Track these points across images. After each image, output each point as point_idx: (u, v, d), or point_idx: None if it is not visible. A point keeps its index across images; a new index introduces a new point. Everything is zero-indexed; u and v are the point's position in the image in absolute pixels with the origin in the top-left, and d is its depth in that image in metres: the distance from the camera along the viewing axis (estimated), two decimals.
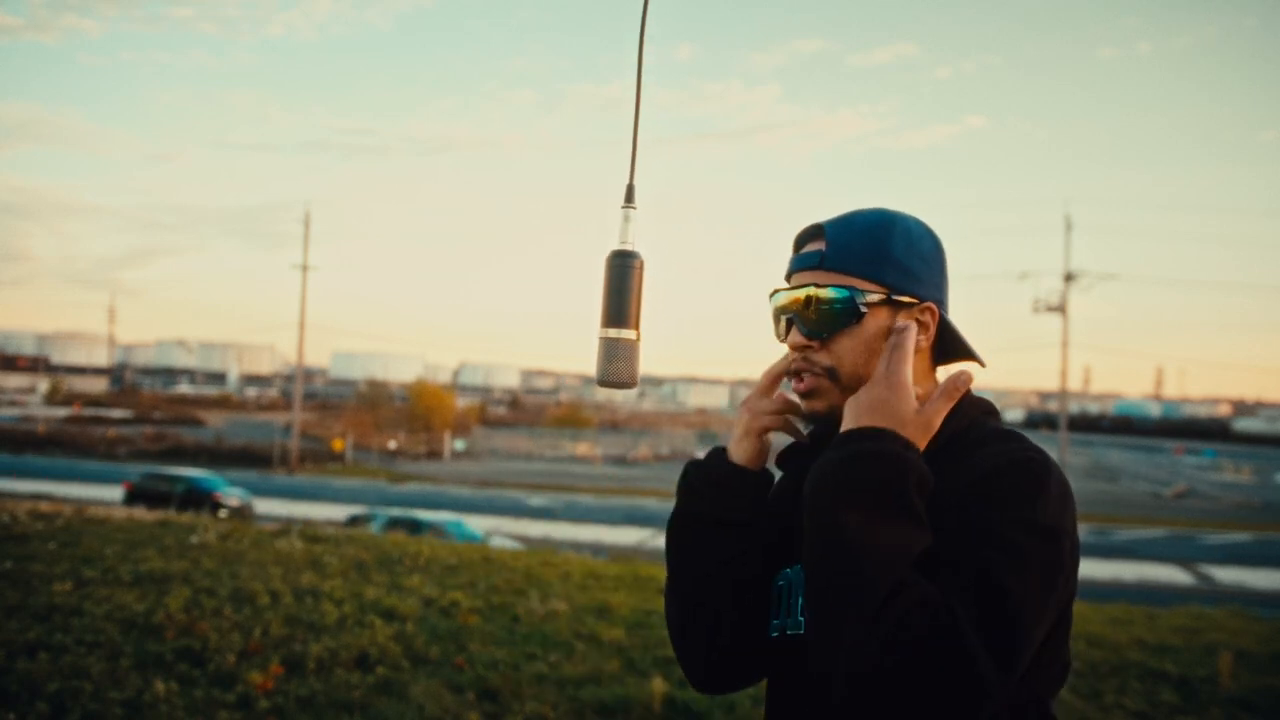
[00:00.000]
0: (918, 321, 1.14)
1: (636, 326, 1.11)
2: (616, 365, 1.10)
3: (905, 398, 1.05)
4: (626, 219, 1.14)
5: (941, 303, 1.17)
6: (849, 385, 1.13)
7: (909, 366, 1.07)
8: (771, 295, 1.20)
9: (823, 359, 1.14)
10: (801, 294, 1.14)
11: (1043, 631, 0.99)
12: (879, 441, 1.00)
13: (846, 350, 1.12)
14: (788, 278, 1.20)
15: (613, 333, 1.10)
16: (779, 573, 1.22)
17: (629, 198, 1.14)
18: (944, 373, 1.22)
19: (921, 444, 1.05)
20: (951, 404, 1.08)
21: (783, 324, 1.18)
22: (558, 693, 5.23)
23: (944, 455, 1.08)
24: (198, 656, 5.32)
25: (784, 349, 1.20)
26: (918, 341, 1.14)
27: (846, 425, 1.05)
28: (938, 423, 1.07)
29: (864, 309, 1.11)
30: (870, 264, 1.13)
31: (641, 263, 1.12)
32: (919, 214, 1.20)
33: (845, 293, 1.12)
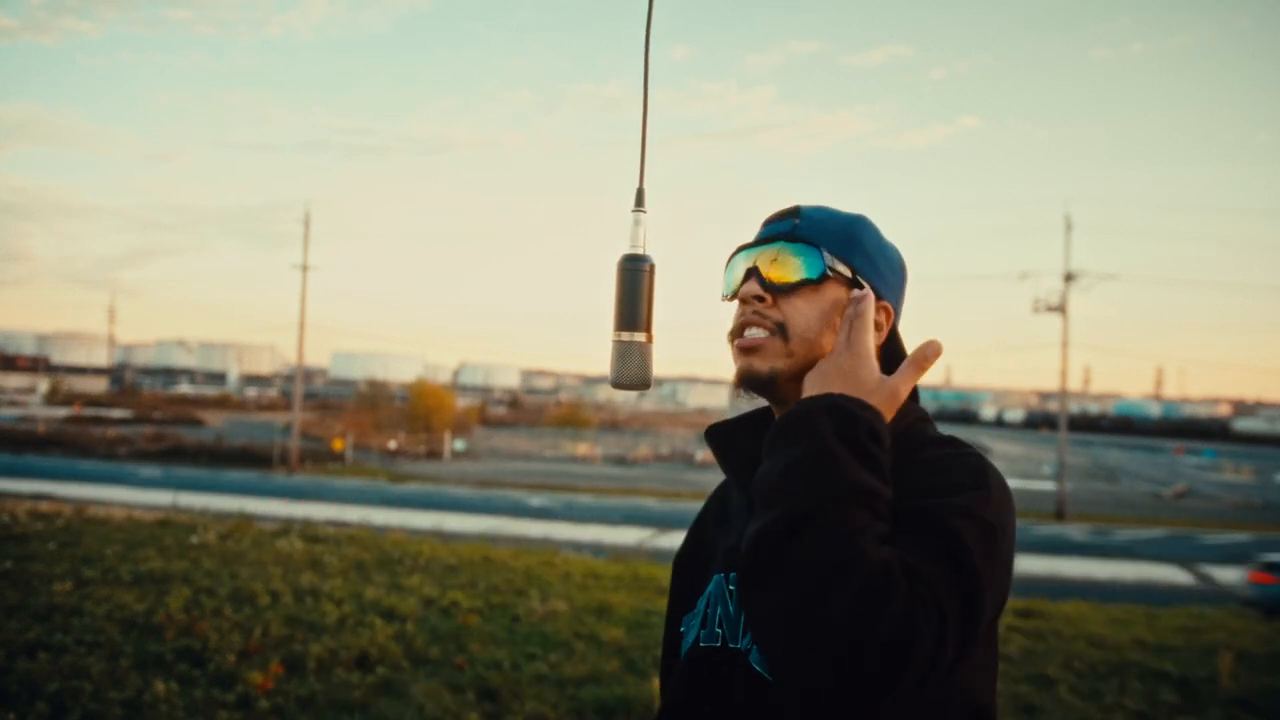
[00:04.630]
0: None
1: (649, 329, 1.11)
2: (630, 368, 1.10)
3: (869, 366, 1.03)
4: (637, 223, 1.13)
5: (897, 312, 1.17)
6: (795, 350, 1.08)
7: (870, 337, 1.05)
8: (736, 251, 1.16)
9: (774, 314, 1.09)
10: (771, 248, 1.11)
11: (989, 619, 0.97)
12: (842, 400, 0.98)
13: (800, 310, 1.09)
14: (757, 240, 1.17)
15: (625, 336, 1.10)
16: (704, 590, 1.20)
17: (639, 201, 1.14)
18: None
19: (889, 414, 1.02)
20: (920, 374, 1.05)
21: (741, 275, 1.13)
22: (558, 693, 5.23)
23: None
24: (198, 656, 5.32)
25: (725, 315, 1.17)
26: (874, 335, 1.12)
27: (806, 394, 1.03)
28: (905, 392, 1.04)
29: (829, 273, 1.09)
30: (842, 243, 1.12)
31: (652, 267, 1.12)
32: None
33: (815, 252, 1.09)
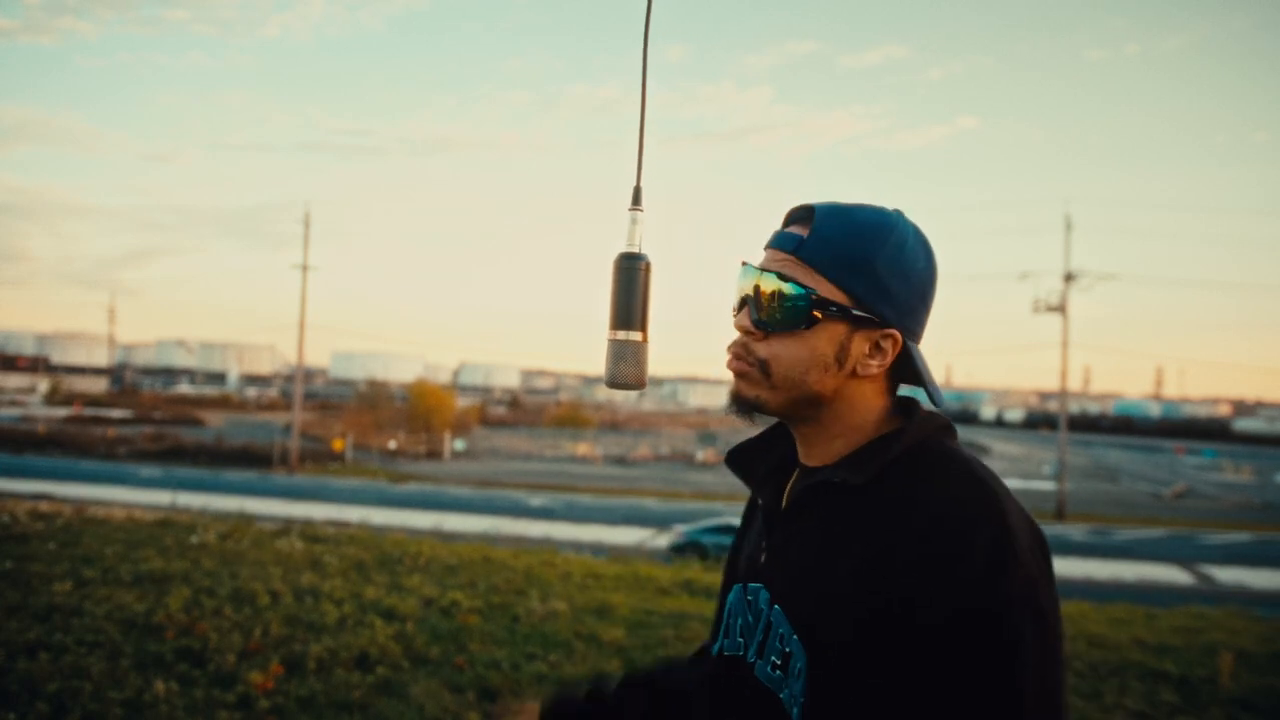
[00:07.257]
0: (876, 345, 1.06)
1: (644, 329, 1.10)
2: (624, 367, 1.09)
3: None
4: (634, 221, 1.12)
5: (910, 331, 1.08)
6: (778, 385, 1.06)
7: None
8: (743, 265, 1.11)
9: (760, 350, 1.07)
10: (767, 277, 1.06)
11: None
12: None
13: (786, 351, 1.05)
14: (765, 250, 1.11)
15: (621, 335, 1.09)
16: (730, 591, 1.21)
17: (636, 200, 1.13)
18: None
19: None
20: None
21: (738, 300, 1.10)
22: None
23: (892, 480, 1.02)
24: (198, 656, 5.31)
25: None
26: (868, 366, 1.06)
27: None
28: None
29: (817, 315, 1.04)
30: (845, 268, 1.04)
31: (648, 265, 1.11)
32: (917, 214, 1.14)
33: (803, 292, 1.04)
